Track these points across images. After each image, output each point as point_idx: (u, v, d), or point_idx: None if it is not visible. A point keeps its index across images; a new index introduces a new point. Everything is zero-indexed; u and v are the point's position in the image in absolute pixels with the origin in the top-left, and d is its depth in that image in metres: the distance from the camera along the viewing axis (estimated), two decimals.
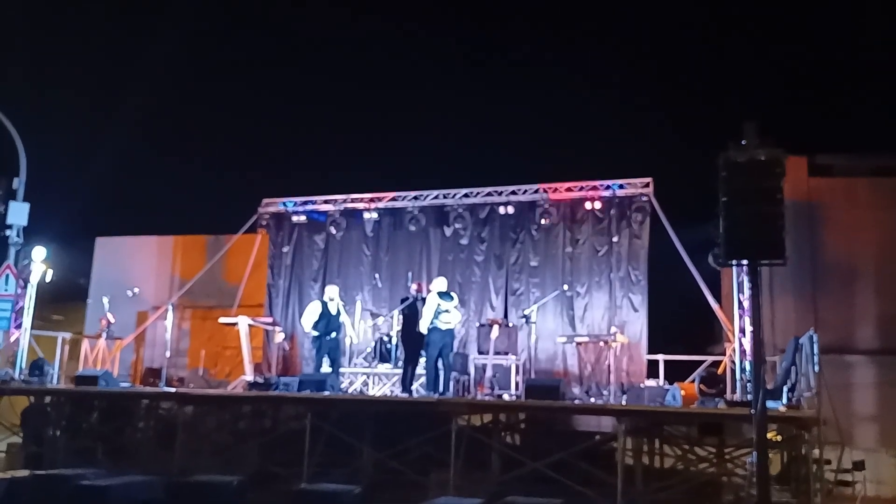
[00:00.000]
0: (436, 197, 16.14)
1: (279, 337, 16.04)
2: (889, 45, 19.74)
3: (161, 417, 12.87)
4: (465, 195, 15.96)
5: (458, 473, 9.92)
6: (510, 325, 14.19)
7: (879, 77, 20.38)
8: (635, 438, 10.44)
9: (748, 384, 11.03)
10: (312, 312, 13.03)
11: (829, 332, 12.57)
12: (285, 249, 17.06)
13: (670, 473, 10.73)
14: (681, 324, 15.44)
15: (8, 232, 14.19)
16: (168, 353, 14.33)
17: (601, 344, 13.68)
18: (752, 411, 8.43)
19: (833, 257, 14.23)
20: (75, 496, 9.38)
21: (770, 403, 8.86)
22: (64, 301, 19.07)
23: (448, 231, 16.02)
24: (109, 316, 15.30)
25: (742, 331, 12.30)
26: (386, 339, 14.30)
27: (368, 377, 14.23)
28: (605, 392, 13.68)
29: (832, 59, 21.99)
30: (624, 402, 12.04)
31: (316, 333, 12.97)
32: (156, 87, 22.10)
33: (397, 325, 13.54)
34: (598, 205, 15.00)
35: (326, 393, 11.47)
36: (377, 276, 16.11)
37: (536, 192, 15.46)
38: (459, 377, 13.42)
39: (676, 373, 13.09)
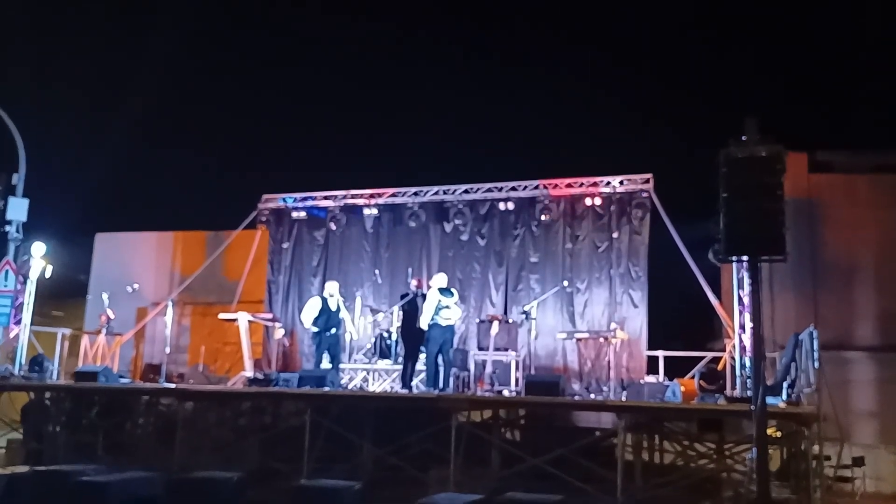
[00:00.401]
0: (436, 193, 16.12)
1: (279, 333, 16.03)
2: (889, 41, 19.73)
3: (161, 413, 12.87)
4: (466, 191, 15.94)
5: (458, 469, 9.92)
6: (510, 321, 14.18)
7: (880, 73, 20.37)
8: (635, 434, 10.46)
9: (748, 380, 11.01)
10: (312, 308, 13.03)
11: (828, 329, 12.59)
12: (285, 245, 17.06)
13: (670, 469, 10.75)
14: (681, 320, 15.45)
15: (7, 228, 14.19)
16: (168, 350, 14.31)
17: (601, 340, 13.68)
18: (752, 407, 8.44)
19: (833, 254, 14.22)
20: (75, 492, 9.37)
21: (770, 400, 8.86)
22: (64, 297, 19.06)
23: (448, 227, 16.00)
24: (109, 312, 15.28)
25: (742, 327, 12.29)
26: (386, 335, 14.31)
27: (368, 373, 14.22)
28: (604, 388, 13.69)
29: (832, 56, 22.01)
30: (624, 399, 12.05)
31: (316, 329, 12.97)
32: (156, 83, 22.09)
33: (397, 322, 13.54)
34: (598, 201, 14.98)
35: (326, 389, 11.48)
36: (377, 272, 16.11)
37: (536, 188, 15.43)
38: (459, 373, 13.42)
39: (676, 369, 13.09)
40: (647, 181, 14.72)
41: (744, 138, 8.53)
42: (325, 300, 13.07)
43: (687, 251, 13.51)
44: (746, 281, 10.68)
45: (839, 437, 10.06)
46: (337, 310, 13.07)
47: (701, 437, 10.84)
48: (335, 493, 9.22)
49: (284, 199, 17.15)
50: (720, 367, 12.43)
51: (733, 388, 12.14)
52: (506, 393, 12.86)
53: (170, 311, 14.46)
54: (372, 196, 16.51)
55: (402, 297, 13.09)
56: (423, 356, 12.53)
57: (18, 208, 14.25)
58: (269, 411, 12.85)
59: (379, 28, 24.89)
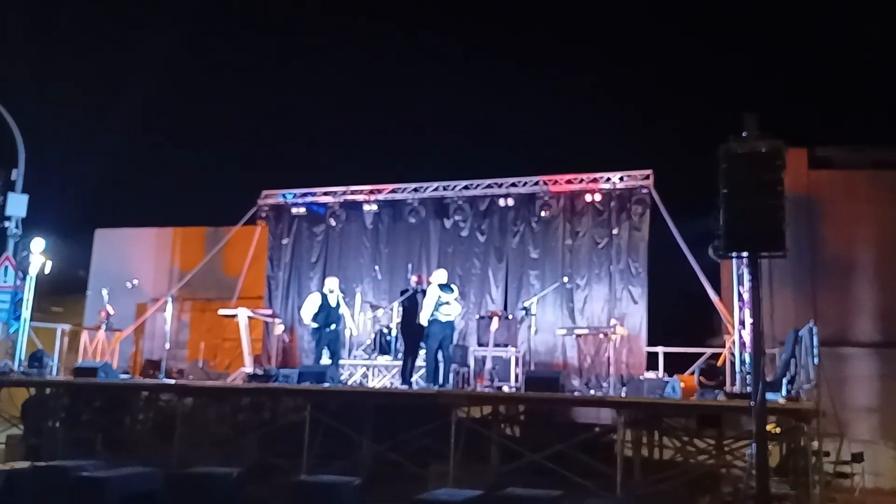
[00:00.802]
0: (436, 189, 16.11)
1: (279, 329, 16.04)
2: (890, 37, 19.71)
3: (160, 409, 12.89)
4: (465, 187, 15.94)
5: (458, 465, 9.92)
6: (510, 317, 14.19)
7: (880, 69, 20.34)
8: (634, 430, 10.46)
9: (747, 376, 11.03)
10: (312, 304, 13.03)
11: (828, 325, 12.59)
12: (285, 241, 17.06)
13: (669, 465, 10.74)
14: (680, 316, 15.45)
15: (7, 223, 14.17)
16: (167, 345, 14.32)
17: (601, 336, 13.69)
18: (752, 403, 8.44)
19: (832, 250, 14.22)
20: (75, 487, 9.35)
21: (769, 395, 8.85)
22: (63, 293, 19.06)
23: (448, 223, 16.00)
24: (109, 308, 15.29)
25: (741, 323, 12.29)
26: (385, 330, 14.31)
27: (368, 369, 14.24)
28: (604, 384, 13.70)
29: (832, 53, 21.97)
30: (623, 394, 12.07)
31: (315, 325, 12.96)
32: (155, 79, 22.06)
33: (397, 317, 13.54)
34: (598, 197, 14.98)
35: (326, 385, 11.48)
36: (377, 267, 16.11)
37: (536, 184, 15.43)
38: (459, 369, 13.44)
39: (676, 365, 13.10)
40: (646, 177, 14.71)
41: (744, 134, 8.51)
42: (324, 296, 13.06)
43: (687, 247, 13.51)
44: (746, 277, 10.68)
45: (838, 433, 10.07)
46: (336, 306, 13.06)
47: (700, 433, 10.84)
48: (334, 489, 9.21)
49: (284, 195, 17.14)
50: (720, 363, 12.44)
51: (733, 384, 12.16)
52: (505, 389, 12.88)
53: (169, 307, 14.47)
54: (372, 192, 16.51)
55: (402, 293, 13.08)
56: (422, 352, 12.53)
57: (18, 204, 14.24)
58: (269, 407, 12.84)
59: (379, 26, 24.88)
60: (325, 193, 16.88)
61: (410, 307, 12.62)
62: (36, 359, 13.72)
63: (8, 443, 13.23)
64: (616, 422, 9.86)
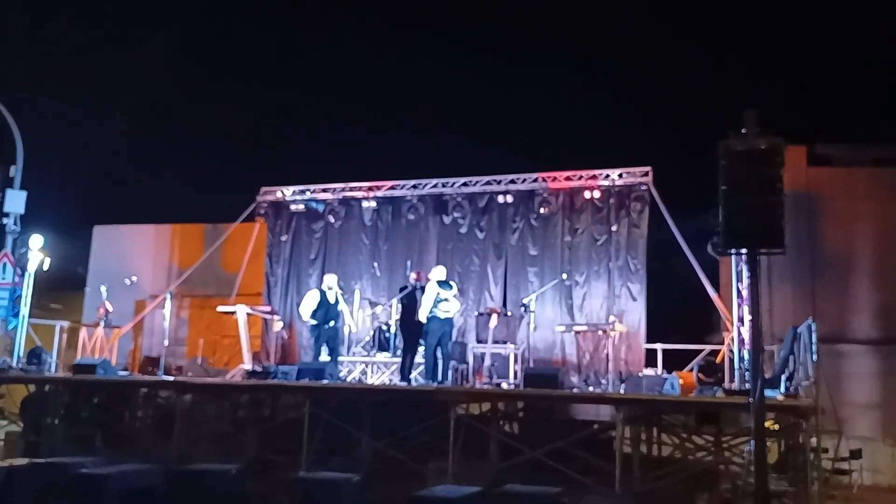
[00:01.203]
0: (434, 185, 16.09)
1: (277, 326, 16.03)
2: (889, 36, 19.71)
3: (159, 406, 12.88)
4: (464, 184, 15.91)
5: (457, 462, 9.93)
6: (509, 313, 14.18)
7: (879, 67, 20.36)
8: (633, 427, 10.45)
9: (746, 373, 11.04)
10: (311, 301, 13.02)
11: (827, 322, 12.61)
12: (283, 238, 17.04)
13: (668, 462, 10.74)
14: (679, 313, 15.46)
15: (5, 220, 14.17)
16: (166, 342, 14.32)
17: (600, 333, 13.67)
18: (750, 400, 8.43)
19: (831, 247, 14.24)
20: (74, 484, 9.36)
21: (768, 392, 8.85)
22: (62, 289, 19.07)
23: (447, 220, 15.99)
24: (107, 304, 15.27)
25: (740, 320, 12.30)
26: (384, 327, 14.30)
27: (367, 366, 14.24)
28: (603, 381, 13.70)
29: (832, 50, 21.98)
30: (622, 391, 12.06)
31: (314, 322, 12.95)
32: (154, 76, 22.04)
33: (396, 314, 13.52)
34: (597, 194, 14.96)
35: (325, 381, 11.48)
36: (376, 264, 16.09)
37: (535, 181, 15.42)
38: (458, 366, 13.44)
39: (675, 362, 13.10)
40: (646, 174, 14.70)
41: (743, 131, 8.49)
42: (323, 293, 13.05)
43: (685, 244, 13.50)
44: (745, 274, 10.69)
45: (837, 430, 10.07)
46: (335, 302, 13.06)
47: (699, 430, 10.83)
48: (333, 486, 9.23)
49: (283, 192, 17.12)
50: (718, 359, 12.43)
51: (731, 380, 12.17)
52: (504, 385, 12.88)
53: (168, 303, 14.46)
54: (370, 189, 16.49)
55: (401, 289, 13.08)
56: (421, 349, 12.53)
57: (16, 200, 14.22)
58: (268, 404, 12.84)
59: (378, 24, 24.88)
60: (324, 190, 16.86)
61: (409, 304, 12.61)
62: (35, 355, 13.72)
63: (7, 440, 13.24)
64: (615, 418, 9.87)
